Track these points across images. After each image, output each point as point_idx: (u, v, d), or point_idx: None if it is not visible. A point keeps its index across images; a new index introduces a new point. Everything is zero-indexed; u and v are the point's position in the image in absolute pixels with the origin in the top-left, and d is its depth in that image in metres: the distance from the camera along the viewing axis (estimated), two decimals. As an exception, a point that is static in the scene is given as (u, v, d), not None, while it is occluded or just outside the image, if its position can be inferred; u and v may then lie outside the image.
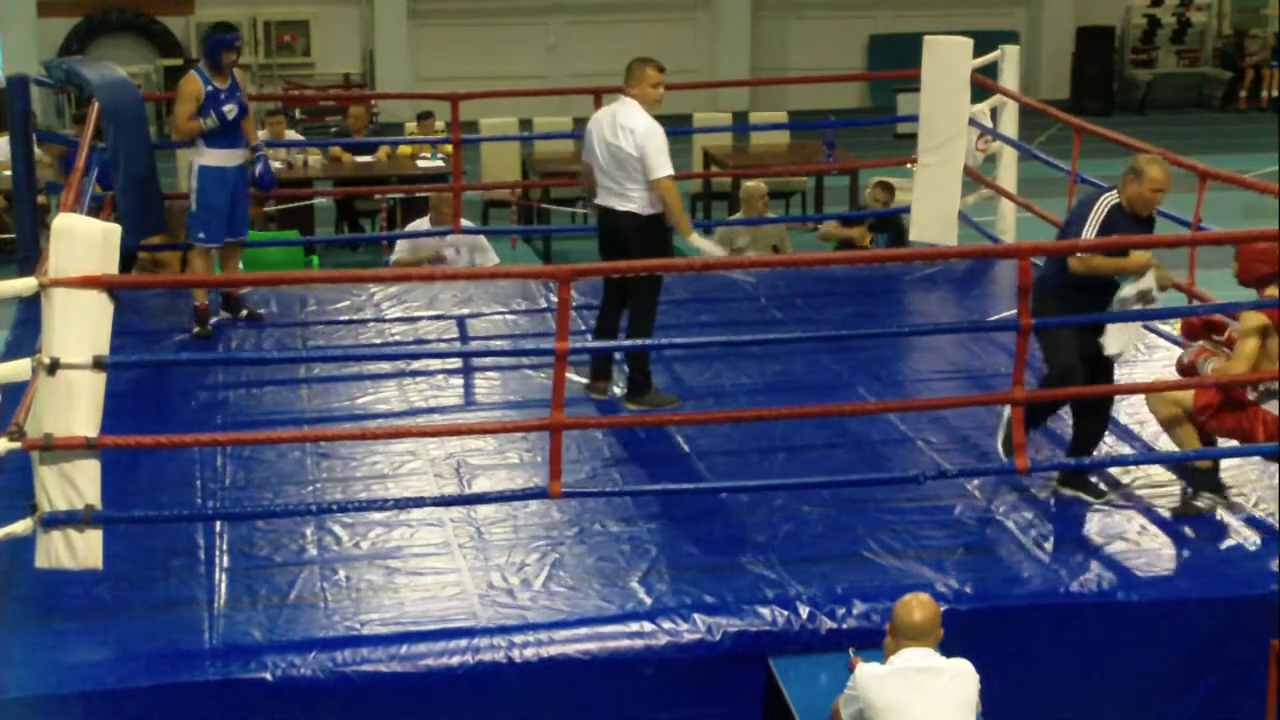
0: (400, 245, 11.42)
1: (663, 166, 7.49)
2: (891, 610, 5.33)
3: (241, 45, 8.80)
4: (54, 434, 5.46)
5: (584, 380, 7.84)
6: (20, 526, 5.62)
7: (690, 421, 7.31)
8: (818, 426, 7.38)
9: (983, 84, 10.33)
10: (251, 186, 8.99)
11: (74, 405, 5.46)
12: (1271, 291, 6.55)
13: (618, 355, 7.94)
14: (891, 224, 11.77)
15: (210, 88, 8.59)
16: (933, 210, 10.21)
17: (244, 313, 9.10)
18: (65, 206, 6.87)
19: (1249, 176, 8.36)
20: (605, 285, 7.95)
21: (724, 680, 5.76)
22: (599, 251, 7.90)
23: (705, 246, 8.01)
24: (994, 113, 10.47)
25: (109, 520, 5.71)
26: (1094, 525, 6.56)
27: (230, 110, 8.60)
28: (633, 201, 7.60)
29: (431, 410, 7.77)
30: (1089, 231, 6.54)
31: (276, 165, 13.59)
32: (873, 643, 5.59)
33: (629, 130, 7.54)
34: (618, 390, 7.84)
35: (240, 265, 9.24)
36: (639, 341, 7.67)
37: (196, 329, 8.82)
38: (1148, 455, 7.16)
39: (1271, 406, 6.58)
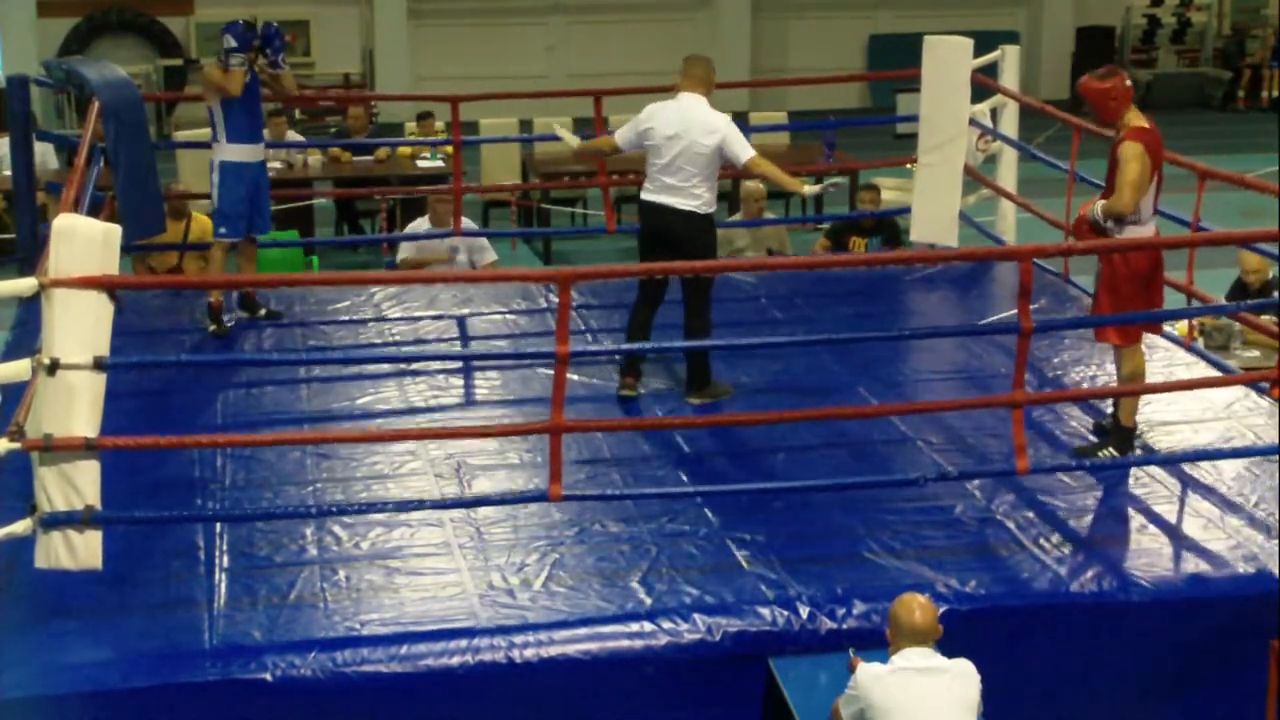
0: (405, 245, 11.40)
1: (749, 146, 7.69)
2: (890, 610, 5.34)
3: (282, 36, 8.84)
4: (54, 434, 5.46)
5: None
6: (20, 526, 5.62)
7: (690, 424, 7.31)
8: (817, 426, 7.38)
9: (983, 84, 10.32)
10: None
11: (74, 406, 5.46)
12: (1133, 120, 6.94)
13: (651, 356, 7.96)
14: (885, 225, 11.76)
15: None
16: (933, 210, 10.19)
17: (262, 312, 9.06)
18: (65, 206, 6.87)
19: (1249, 176, 8.35)
20: (641, 285, 7.88)
21: (724, 680, 5.75)
22: (641, 248, 7.84)
23: (815, 189, 8.11)
24: (994, 113, 10.47)
25: (109, 520, 5.71)
26: (1094, 525, 6.56)
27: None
28: (697, 200, 7.61)
29: (431, 410, 7.76)
30: None
31: (277, 165, 13.63)
32: (873, 643, 5.59)
33: (712, 129, 7.56)
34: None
35: (255, 263, 9.17)
36: (636, 346, 7.68)
37: (213, 327, 8.79)
38: (1147, 457, 7.16)
39: (1141, 230, 6.94)
